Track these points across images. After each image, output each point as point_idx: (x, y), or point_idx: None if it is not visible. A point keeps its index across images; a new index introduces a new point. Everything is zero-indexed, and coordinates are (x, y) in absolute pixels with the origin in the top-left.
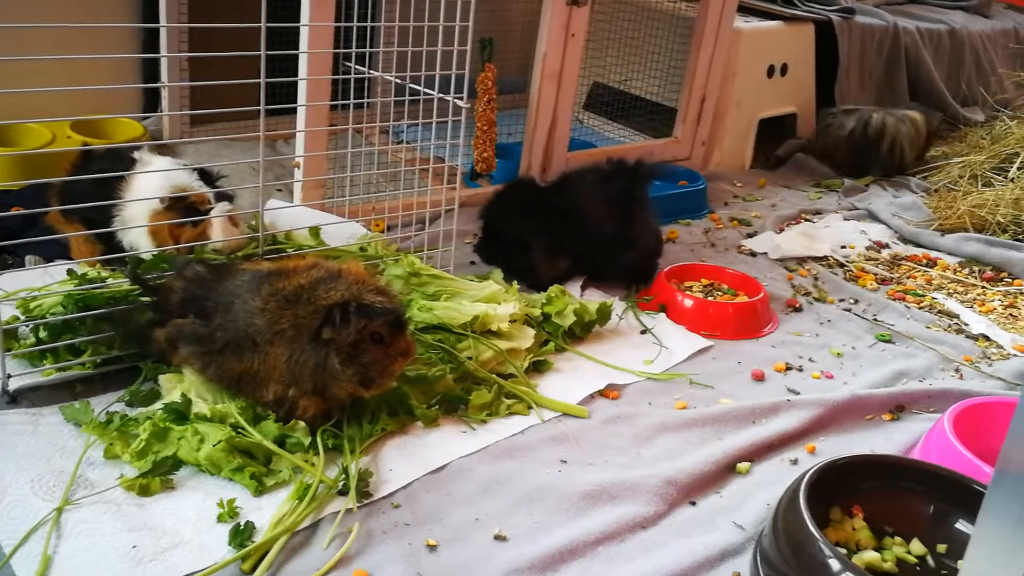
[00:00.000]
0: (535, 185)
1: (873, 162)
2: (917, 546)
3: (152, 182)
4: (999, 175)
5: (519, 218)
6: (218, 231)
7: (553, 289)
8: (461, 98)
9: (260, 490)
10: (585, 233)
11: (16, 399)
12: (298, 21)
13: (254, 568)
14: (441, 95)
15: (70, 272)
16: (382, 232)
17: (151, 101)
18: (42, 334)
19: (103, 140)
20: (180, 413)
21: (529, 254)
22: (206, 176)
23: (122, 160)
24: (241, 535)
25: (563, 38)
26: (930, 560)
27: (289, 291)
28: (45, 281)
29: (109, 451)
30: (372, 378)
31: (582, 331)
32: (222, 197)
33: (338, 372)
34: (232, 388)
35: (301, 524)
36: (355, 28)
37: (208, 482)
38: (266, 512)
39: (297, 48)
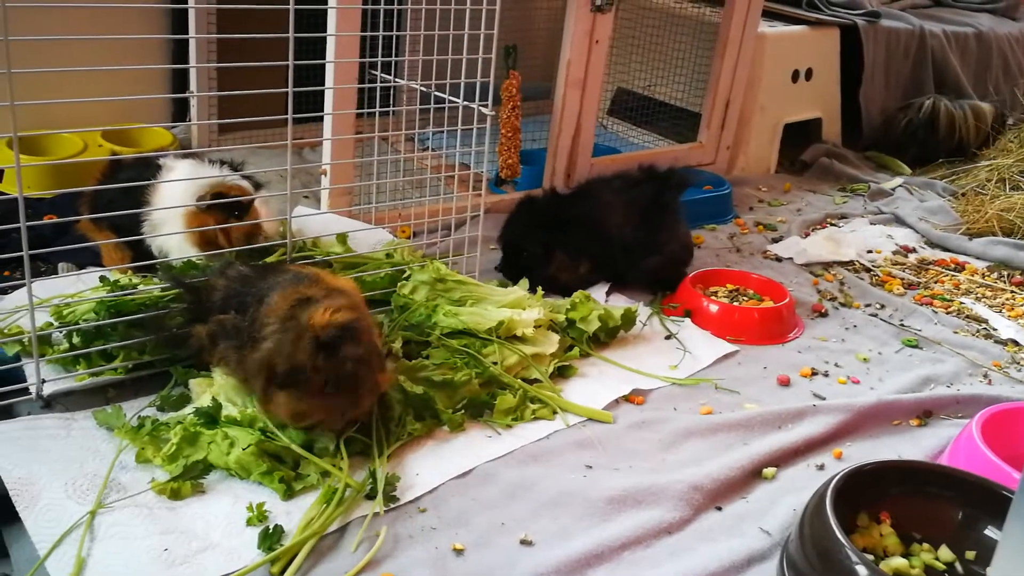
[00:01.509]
0: (550, 195)
1: (934, 149)
2: (945, 553)
3: (179, 187)
4: None
5: (535, 230)
6: (268, 219)
7: (578, 295)
8: (486, 105)
9: (289, 494)
10: (606, 238)
11: (50, 404)
12: (324, 31)
13: (283, 571)
14: (466, 102)
15: (102, 279)
16: (408, 238)
17: (180, 110)
18: (75, 340)
19: (133, 148)
20: (211, 417)
21: (549, 263)
22: (235, 170)
23: (150, 167)
24: (270, 538)
25: (587, 44)
26: (959, 567)
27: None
28: (78, 288)
29: (141, 455)
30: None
31: (607, 336)
32: (257, 186)
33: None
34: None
35: (329, 528)
36: (380, 37)
37: (237, 486)
38: (294, 516)
39: (323, 57)
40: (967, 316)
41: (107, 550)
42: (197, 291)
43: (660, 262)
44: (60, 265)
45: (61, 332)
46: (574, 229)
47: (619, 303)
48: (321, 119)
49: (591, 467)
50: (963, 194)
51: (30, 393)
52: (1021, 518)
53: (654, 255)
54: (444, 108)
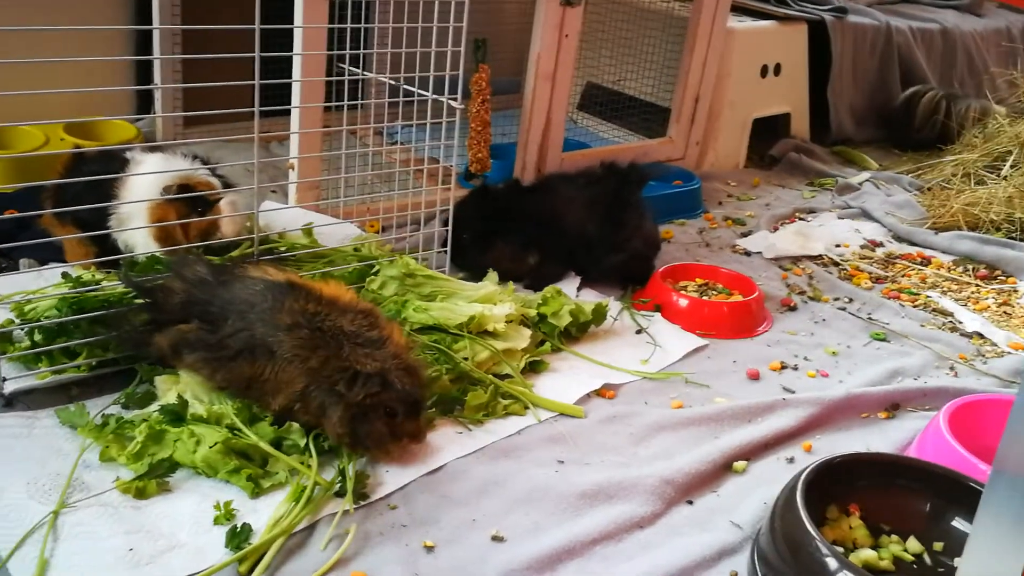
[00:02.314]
0: (509, 186)
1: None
2: (914, 544)
3: (148, 180)
4: (992, 173)
5: (476, 218)
6: (229, 221)
7: (549, 289)
8: (455, 99)
9: (257, 492)
10: (562, 232)
11: (11, 402)
12: (291, 23)
13: (251, 570)
14: (435, 96)
15: (65, 275)
16: (377, 233)
17: (144, 103)
18: (37, 337)
19: (96, 142)
20: (176, 415)
21: (485, 251)
22: (205, 165)
23: (115, 161)
24: (238, 537)
25: (557, 38)
26: (927, 558)
27: (329, 327)
28: (39, 284)
29: (105, 454)
30: (365, 445)
31: (578, 331)
32: (227, 185)
33: (335, 424)
34: (239, 393)
35: (298, 526)
36: (348, 30)
37: (204, 484)
38: (262, 514)
39: (291, 50)
40: (933, 309)
41: (71, 550)
42: (153, 293)
43: (623, 259)
44: (21, 261)
45: (23, 329)
46: (524, 220)
47: (590, 298)
48: (288, 112)
49: (563, 462)
50: (929, 189)
51: None
52: (991, 511)
53: (617, 252)
54: (413, 102)
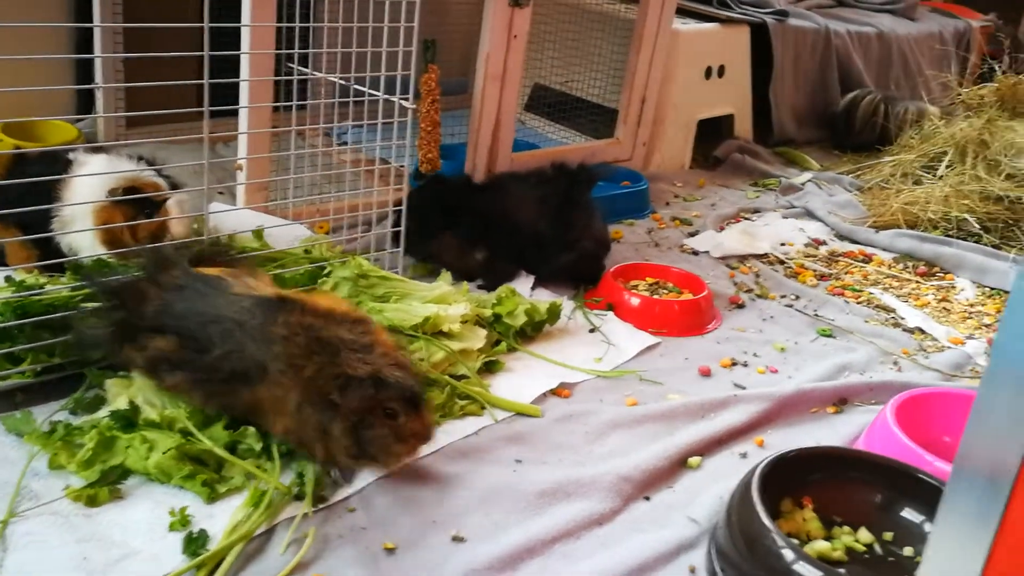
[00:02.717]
0: (462, 181)
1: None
2: (865, 534)
3: (93, 182)
4: (928, 173)
5: (432, 208)
6: (177, 222)
7: (503, 289)
8: (407, 99)
9: (212, 496)
10: (510, 230)
11: None
12: (236, 21)
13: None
14: (387, 96)
15: (8, 279)
16: (326, 234)
17: (85, 103)
18: None
19: (36, 143)
20: (128, 420)
21: (429, 241)
22: (151, 166)
23: (58, 162)
24: (195, 543)
25: (506, 39)
26: (877, 548)
27: (327, 337)
28: None
29: (54, 461)
30: (372, 455)
31: (533, 331)
32: (174, 186)
33: (340, 438)
34: (239, 417)
35: (256, 530)
36: (297, 29)
37: (157, 490)
38: (219, 520)
39: (236, 48)
40: (876, 306)
41: (22, 560)
42: (122, 296)
43: (574, 259)
44: None
45: None
46: (473, 216)
47: (544, 297)
48: (233, 113)
49: (520, 461)
50: (869, 188)
51: None
52: (953, 509)
53: (567, 251)
54: (363, 102)
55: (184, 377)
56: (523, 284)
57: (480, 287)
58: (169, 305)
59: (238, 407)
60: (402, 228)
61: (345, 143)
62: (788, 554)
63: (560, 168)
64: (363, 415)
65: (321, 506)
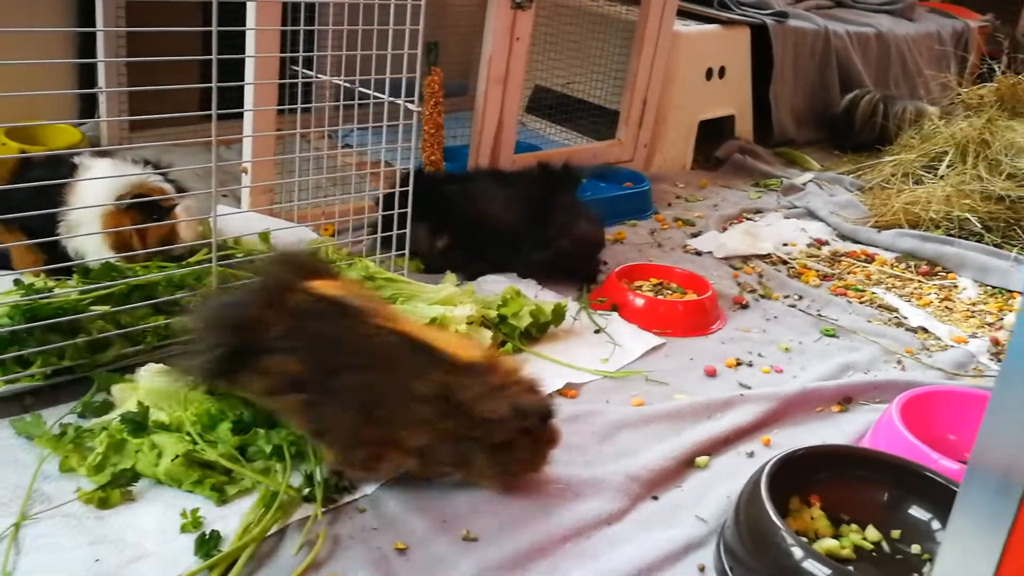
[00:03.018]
0: (441, 173)
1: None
2: (872, 532)
3: (99, 186)
4: (929, 173)
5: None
6: (186, 227)
7: (508, 290)
8: (412, 101)
9: (222, 500)
10: (480, 223)
11: None
12: (240, 25)
13: None
14: (392, 99)
15: (17, 282)
16: (332, 236)
17: (88, 107)
18: None
19: (40, 147)
20: (138, 424)
21: (412, 232)
22: (157, 169)
23: (63, 166)
24: (207, 545)
25: (508, 41)
26: (885, 545)
27: (463, 400)
28: None
29: (65, 464)
30: (515, 473)
31: (538, 331)
32: (180, 190)
33: (482, 468)
34: (327, 441)
35: (268, 532)
36: (302, 32)
37: (168, 492)
38: (231, 521)
39: (238, 52)
40: (879, 305)
41: (35, 563)
42: (244, 328)
43: (549, 257)
44: None
45: None
46: (440, 205)
47: (548, 298)
48: (238, 116)
49: None
50: (870, 188)
51: None
52: (967, 509)
53: (542, 249)
54: (369, 104)
55: (302, 398)
56: (527, 286)
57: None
58: (297, 328)
59: (341, 435)
60: (407, 231)
61: (349, 146)
62: (797, 552)
63: (544, 168)
64: (506, 443)
65: (331, 507)
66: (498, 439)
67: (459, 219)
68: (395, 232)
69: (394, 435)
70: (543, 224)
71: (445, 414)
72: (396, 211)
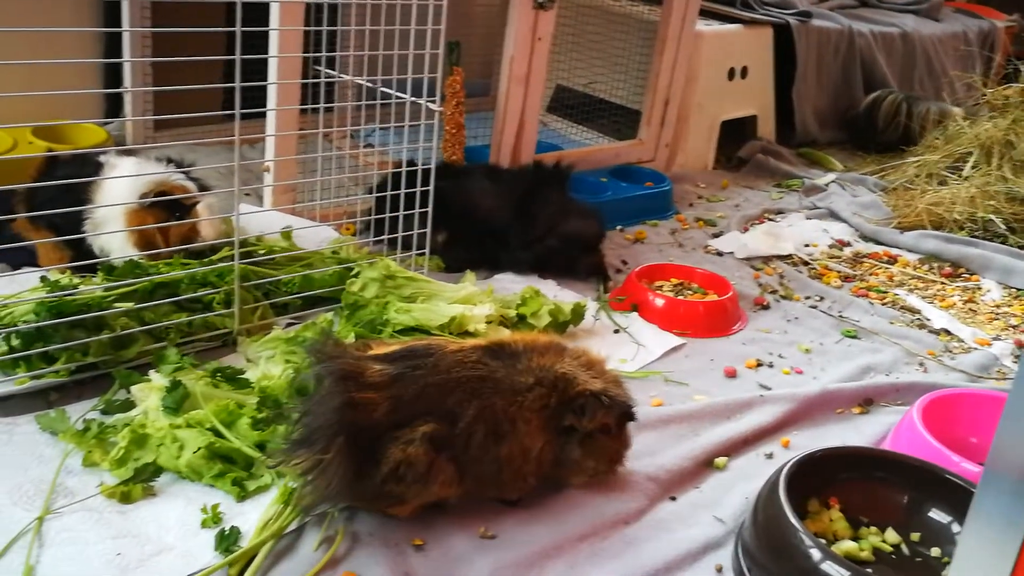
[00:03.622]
0: (439, 167)
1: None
2: (892, 535)
3: (124, 184)
4: (953, 174)
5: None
6: (208, 225)
7: (527, 290)
8: (434, 101)
9: (242, 495)
10: (470, 217)
11: None
12: (263, 25)
13: (242, 572)
14: (414, 99)
15: (43, 279)
16: (353, 235)
17: (113, 106)
18: (15, 342)
19: (66, 145)
20: (176, 405)
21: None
22: (180, 168)
23: (89, 164)
24: (227, 540)
25: (530, 41)
26: (904, 548)
27: (562, 371)
28: (14, 289)
29: (88, 459)
30: (602, 469)
31: (557, 331)
32: (202, 188)
33: (578, 462)
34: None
35: (287, 528)
36: (324, 32)
37: (189, 488)
38: (250, 516)
39: (261, 52)
40: (901, 307)
41: (57, 556)
42: (347, 415)
43: (539, 253)
44: None
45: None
46: (439, 201)
47: (567, 298)
48: (260, 115)
49: None
50: (893, 189)
51: None
52: (983, 511)
53: (530, 245)
54: (391, 104)
55: (450, 456)
56: (546, 285)
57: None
58: (398, 396)
59: (487, 475)
60: (427, 230)
61: (371, 145)
62: (815, 553)
63: (537, 165)
64: (594, 435)
65: (350, 504)
66: (592, 424)
67: (457, 216)
68: (416, 231)
69: (522, 444)
70: (531, 221)
71: (551, 390)
72: (417, 210)
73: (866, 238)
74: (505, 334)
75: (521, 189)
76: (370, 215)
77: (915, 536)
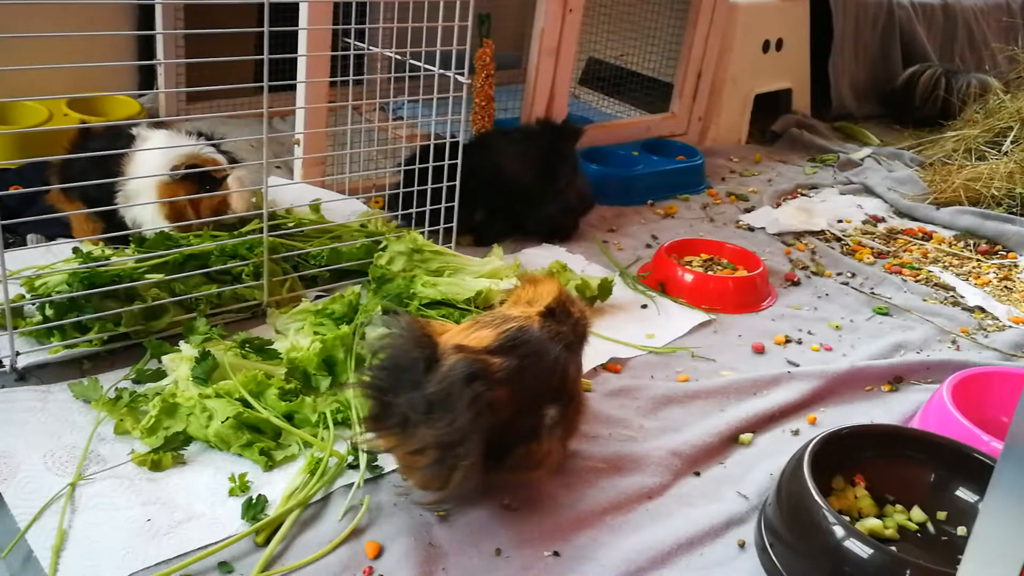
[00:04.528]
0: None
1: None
2: (918, 513)
3: (155, 157)
4: (992, 149)
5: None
6: (238, 197)
7: (554, 264)
8: (462, 74)
9: (270, 465)
10: (502, 186)
11: (24, 376)
12: None
13: (268, 540)
14: (443, 71)
15: (75, 250)
16: (381, 209)
17: (147, 78)
18: (48, 312)
19: (100, 117)
20: (205, 377)
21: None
22: (210, 141)
23: (121, 137)
24: (254, 508)
25: (561, 13)
26: (930, 527)
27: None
28: (48, 260)
29: (119, 427)
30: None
31: None
32: (232, 161)
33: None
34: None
35: (313, 498)
36: (354, 4)
37: (218, 456)
38: (277, 485)
39: (291, 24)
40: (935, 284)
41: (89, 521)
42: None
43: (557, 209)
44: (29, 236)
45: (34, 304)
46: (469, 178)
47: (595, 273)
48: (288, 88)
49: None
50: (930, 164)
51: (3, 366)
52: (1003, 487)
53: (551, 203)
54: (418, 77)
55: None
56: (574, 260)
57: (475, 243)
58: (523, 388)
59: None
60: (455, 204)
61: (400, 118)
62: (838, 530)
63: (545, 123)
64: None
65: (375, 475)
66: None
67: (490, 189)
68: (443, 205)
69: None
70: (551, 178)
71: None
72: (445, 183)
73: (901, 214)
74: (521, 294)
75: (542, 147)
76: (399, 188)
77: (941, 515)
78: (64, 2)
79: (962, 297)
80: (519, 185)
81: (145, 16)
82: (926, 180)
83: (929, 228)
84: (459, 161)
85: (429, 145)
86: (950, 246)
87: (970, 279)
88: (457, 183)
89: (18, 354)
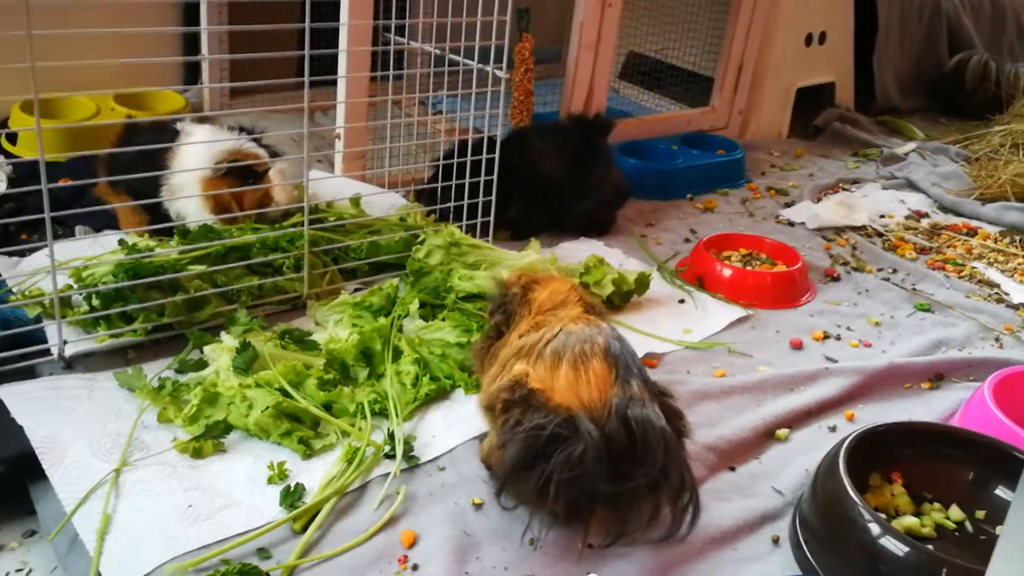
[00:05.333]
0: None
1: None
2: (956, 512)
3: (199, 151)
4: None
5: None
6: (280, 191)
7: (591, 259)
8: (501, 68)
9: (308, 454)
10: (538, 183)
11: (72, 365)
12: None
13: (305, 528)
14: (481, 65)
15: (121, 242)
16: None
17: (192, 74)
18: (95, 302)
19: (145, 112)
20: (246, 366)
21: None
22: (252, 135)
23: (166, 131)
24: (292, 496)
25: (600, 7)
26: (969, 526)
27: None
28: (96, 251)
29: (162, 415)
30: None
31: (620, 300)
32: (274, 155)
33: None
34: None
35: (350, 486)
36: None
37: (257, 445)
38: (315, 474)
39: (333, 20)
40: (979, 280)
41: (132, 506)
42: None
43: (593, 204)
44: (77, 228)
45: (81, 294)
46: (506, 175)
47: (632, 267)
48: (331, 83)
49: None
50: (977, 159)
51: (52, 354)
52: None
53: (587, 198)
54: (458, 71)
55: None
56: (611, 254)
57: (512, 238)
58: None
59: None
60: (492, 197)
61: (440, 112)
62: (874, 528)
63: (577, 118)
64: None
65: (411, 465)
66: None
67: (526, 185)
68: (481, 199)
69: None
70: (587, 172)
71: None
72: (482, 178)
73: (945, 209)
74: (541, 293)
75: (577, 142)
76: (437, 182)
77: (980, 514)
78: (112, 0)
79: (1006, 294)
80: (554, 181)
81: (190, 13)
82: (971, 175)
83: (974, 224)
84: (496, 156)
85: (467, 140)
86: (995, 242)
87: (1015, 276)
88: (495, 178)
89: (66, 343)
